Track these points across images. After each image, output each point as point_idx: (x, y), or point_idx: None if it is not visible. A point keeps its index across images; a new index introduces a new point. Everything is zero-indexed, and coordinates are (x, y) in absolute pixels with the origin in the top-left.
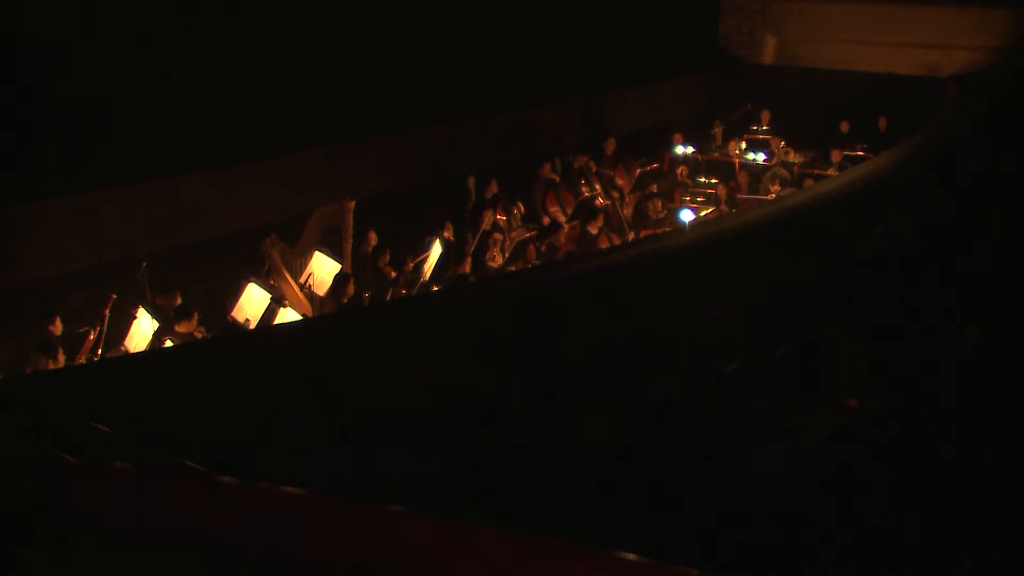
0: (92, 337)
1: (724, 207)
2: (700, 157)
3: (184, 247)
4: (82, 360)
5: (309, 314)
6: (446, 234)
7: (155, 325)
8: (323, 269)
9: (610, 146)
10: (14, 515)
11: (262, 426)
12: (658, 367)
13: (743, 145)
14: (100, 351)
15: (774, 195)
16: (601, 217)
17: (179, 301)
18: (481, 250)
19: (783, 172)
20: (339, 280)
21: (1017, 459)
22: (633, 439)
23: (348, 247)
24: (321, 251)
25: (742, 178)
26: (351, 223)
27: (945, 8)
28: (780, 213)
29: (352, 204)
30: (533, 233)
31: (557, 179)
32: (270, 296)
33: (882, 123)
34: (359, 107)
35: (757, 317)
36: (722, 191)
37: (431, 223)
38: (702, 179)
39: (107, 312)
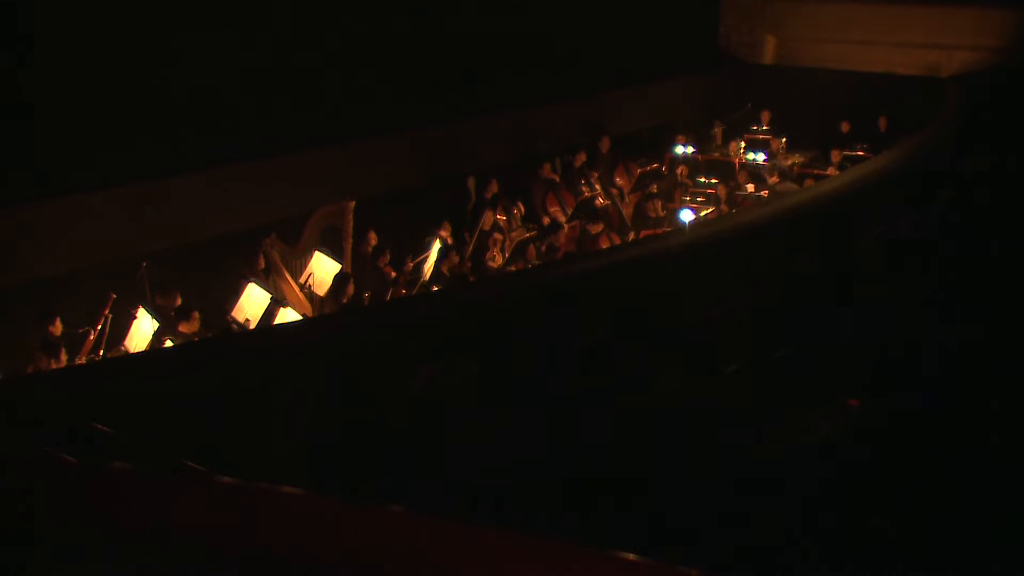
0: (92, 337)
1: (724, 207)
2: (700, 157)
3: (184, 247)
4: (82, 360)
5: (309, 314)
6: (444, 234)
7: (155, 325)
8: (323, 269)
9: (605, 145)
10: (14, 515)
11: (262, 426)
12: (658, 367)
13: (743, 145)
14: (100, 351)
15: (772, 183)
16: (601, 217)
17: (179, 301)
18: (481, 250)
19: (783, 164)
20: (339, 280)
21: (1017, 458)
22: (633, 439)
23: (348, 247)
24: (321, 251)
25: (742, 178)
26: (351, 223)
27: (945, 8)
28: (780, 213)
29: (352, 204)
30: (533, 233)
31: (557, 179)
32: (270, 296)
33: (882, 123)
34: (359, 107)
35: (757, 317)
36: (722, 191)
37: (431, 223)
38: (702, 179)
39: (107, 312)
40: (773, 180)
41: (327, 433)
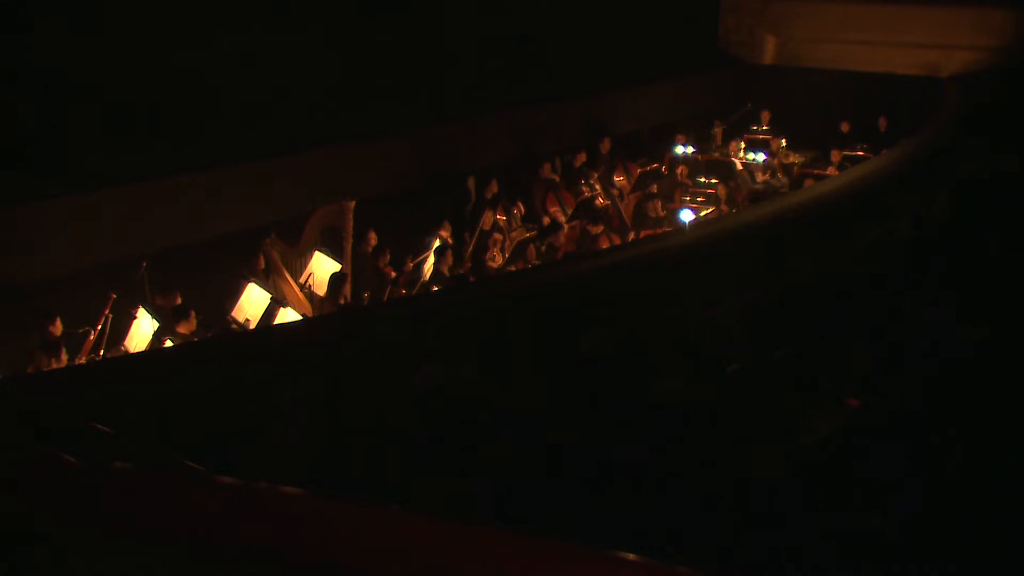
0: (92, 337)
1: (724, 207)
2: (700, 157)
3: (184, 247)
4: (82, 360)
5: (309, 314)
6: (444, 234)
7: (155, 325)
8: (323, 269)
9: (605, 146)
10: (14, 515)
11: (262, 426)
12: (658, 367)
13: (743, 145)
14: (100, 351)
15: (760, 184)
16: (601, 217)
17: (179, 301)
18: (481, 250)
19: (774, 163)
20: (335, 280)
21: (1017, 458)
22: (633, 439)
23: (348, 247)
24: (321, 251)
25: (741, 179)
26: (351, 223)
27: (945, 8)
28: (780, 213)
29: (352, 204)
30: (533, 233)
31: (557, 179)
32: (270, 296)
33: (882, 123)
34: (359, 107)
35: (757, 317)
36: (722, 191)
37: (431, 223)
38: (702, 179)
39: (107, 312)
40: (764, 177)
41: (327, 433)
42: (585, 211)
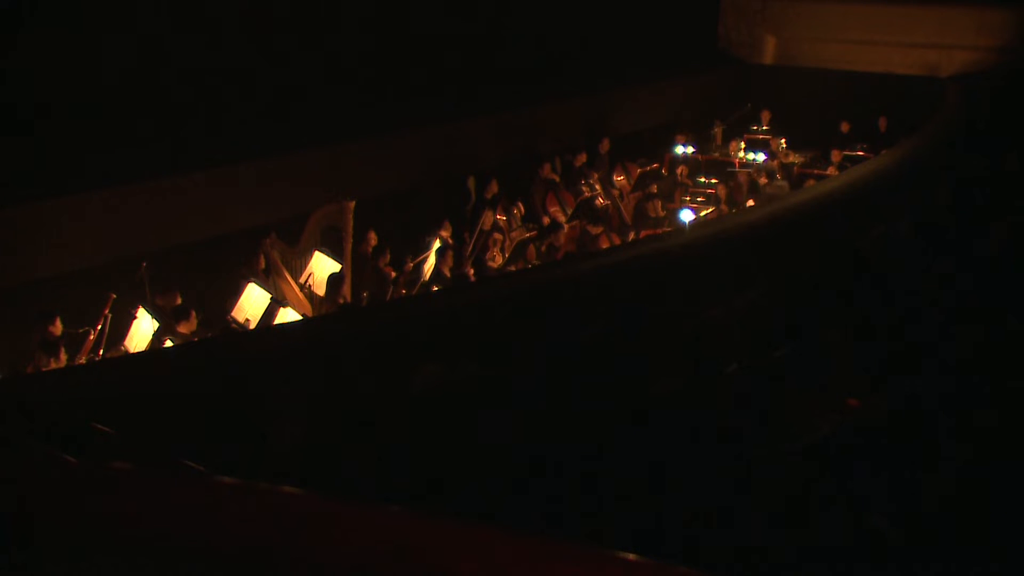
0: (92, 337)
1: (724, 207)
2: (700, 157)
3: (184, 247)
4: (82, 360)
5: (309, 314)
6: (444, 234)
7: (155, 325)
8: (323, 269)
9: (605, 146)
10: (14, 515)
11: (262, 426)
12: (658, 367)
13: (743, 145)
14: (100, 351)
15: (760, 184)
16: (601, 217)
17: (179, 301)
18: (481, 250)
19: (773, 165)
20: (332, 280)
21: (1017, 458)
22: (633, 439)
23: (348, 247)
24: (321, 251)
25: (742, 178)
26: (351, 223)
27: (945, 8)
28: (780, 213)
29: (352, 204)
30: (533, 233)
31: (557, 179)
32: (270, 296)
33: (882, 123)
34: (359, 107)
35: (757, 317)
36: (722, 191)
37: (431, 223)
38: (702, 179)
39: (107, 312)
40: (762, 181)
41: (327, 433)
42: (585, 211)
